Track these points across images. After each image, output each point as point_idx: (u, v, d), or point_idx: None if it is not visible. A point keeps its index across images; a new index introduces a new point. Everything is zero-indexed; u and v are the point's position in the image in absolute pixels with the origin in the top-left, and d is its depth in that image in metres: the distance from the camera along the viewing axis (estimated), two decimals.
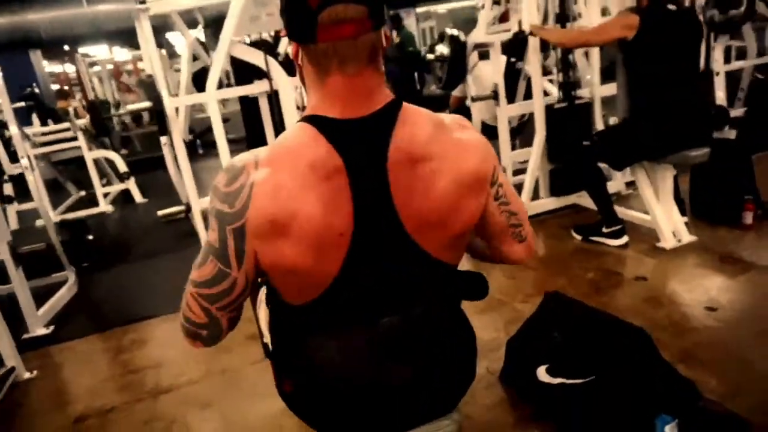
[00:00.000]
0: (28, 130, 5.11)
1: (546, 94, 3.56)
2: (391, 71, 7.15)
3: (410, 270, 0.94)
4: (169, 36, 7.24)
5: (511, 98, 3.66)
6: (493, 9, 3.66)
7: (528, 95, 3.74)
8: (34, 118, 6.11)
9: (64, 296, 3.26)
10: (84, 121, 5.35)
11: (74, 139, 5.17)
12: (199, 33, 3.71)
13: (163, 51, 7.07)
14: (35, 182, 3.23)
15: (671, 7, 2.59)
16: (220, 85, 3.48)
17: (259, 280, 0.99)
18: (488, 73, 3.56)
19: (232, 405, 2.09)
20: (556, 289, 2.11)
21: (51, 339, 2.84)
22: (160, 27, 2.94)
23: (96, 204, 5.36)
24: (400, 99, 0.91)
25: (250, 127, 3.79)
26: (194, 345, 0.97)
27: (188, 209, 2.98)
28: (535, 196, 3.58)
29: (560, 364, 1.76)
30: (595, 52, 3.42)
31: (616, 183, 3.59)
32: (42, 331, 2.88)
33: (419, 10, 9.43)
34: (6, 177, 4.63)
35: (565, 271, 2.79)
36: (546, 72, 3.65)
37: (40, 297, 3.06)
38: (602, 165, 3.01)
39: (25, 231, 4.78)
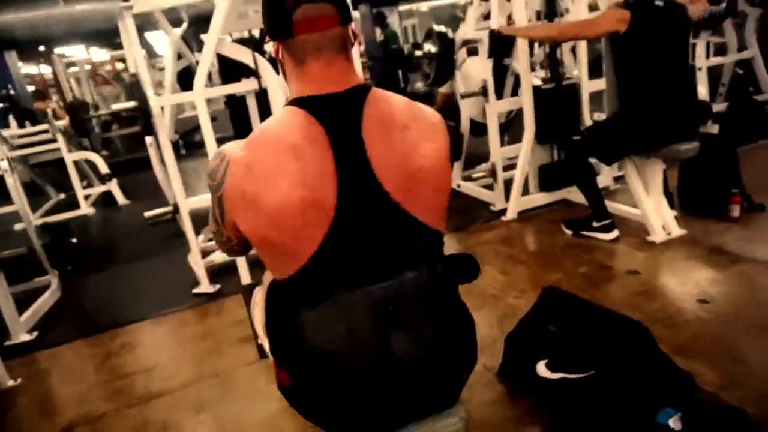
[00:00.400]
0: (5, 132, 4.99)
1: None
2: (375, 68, 7.14)
3: (395, 233, 1.00)
4: (148, 36, 7.13)
5: (498, 95, 3.65)
6: (481, 5, 3.65)
7: (515, 92, 3.75)
8: (11, 119, 5.97)
9: (47, 301, 3.17)
10: (63, 122, 5.24)
11: (53, 140, 5.07)
12: (179, 32, 3.66)
13: (143, 51, 6.95)
14: (15, 185, 3.14)
15: (658, 2, 2.62)
16: None
17: (253, 282, 1.02)
18: (477, 69, 3.55)
19: (227, 408, 2.04)
20: (549, 284, 2.11)
21: (35, 345, 2.76)
22: (140, 27, 2.89)
23: (77, 206, 5.27)
24: (372, 85, 1.05)
25: (238, 125, 3.73)
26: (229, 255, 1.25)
27: (176, 210, 2.92)
28: (525, 191, 3.58)
29: (560, 359, 1.76)
30: (582, 47, 3.43)
31: (604, 178, 3.61)
32: (25, 337, 2.81)
33: (402, 8, 9.45)
34: None
35: (558, 266, 2.79)
36: (532, 68, 3.65)
37: (23, 302, 2.97)
38: (591, 160, 3.02)
39: (4, 235, 4.67)
